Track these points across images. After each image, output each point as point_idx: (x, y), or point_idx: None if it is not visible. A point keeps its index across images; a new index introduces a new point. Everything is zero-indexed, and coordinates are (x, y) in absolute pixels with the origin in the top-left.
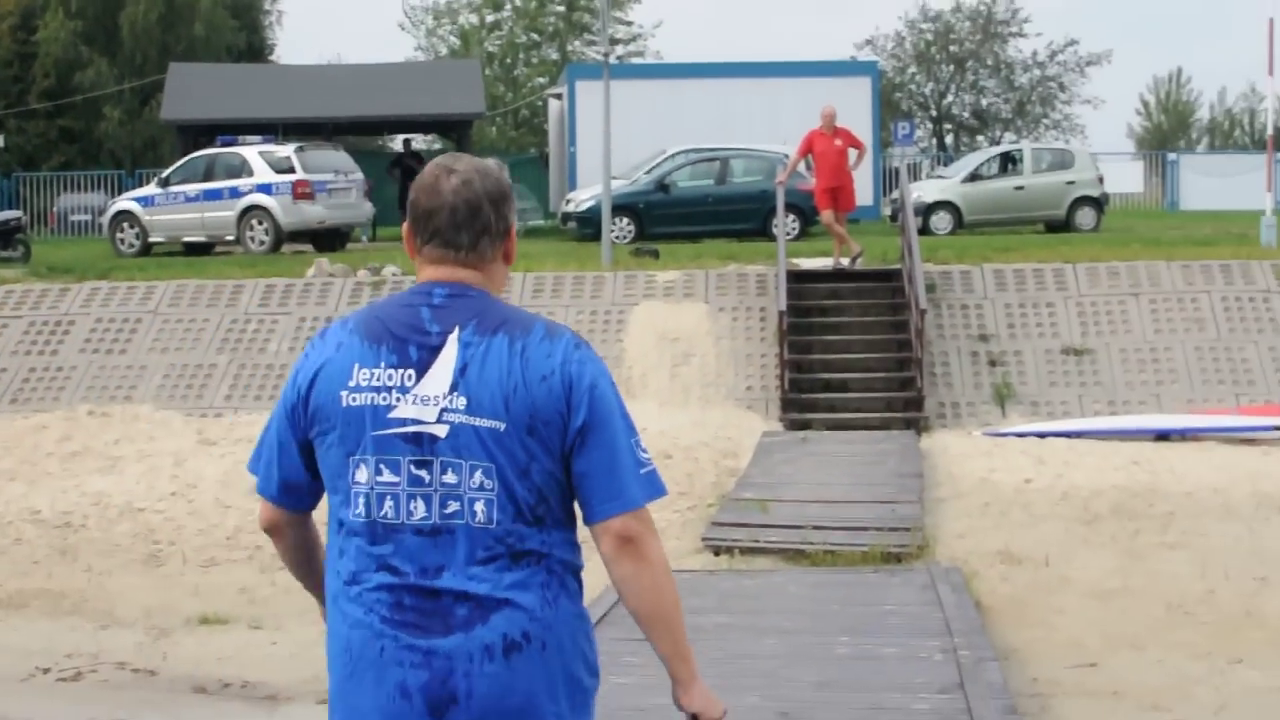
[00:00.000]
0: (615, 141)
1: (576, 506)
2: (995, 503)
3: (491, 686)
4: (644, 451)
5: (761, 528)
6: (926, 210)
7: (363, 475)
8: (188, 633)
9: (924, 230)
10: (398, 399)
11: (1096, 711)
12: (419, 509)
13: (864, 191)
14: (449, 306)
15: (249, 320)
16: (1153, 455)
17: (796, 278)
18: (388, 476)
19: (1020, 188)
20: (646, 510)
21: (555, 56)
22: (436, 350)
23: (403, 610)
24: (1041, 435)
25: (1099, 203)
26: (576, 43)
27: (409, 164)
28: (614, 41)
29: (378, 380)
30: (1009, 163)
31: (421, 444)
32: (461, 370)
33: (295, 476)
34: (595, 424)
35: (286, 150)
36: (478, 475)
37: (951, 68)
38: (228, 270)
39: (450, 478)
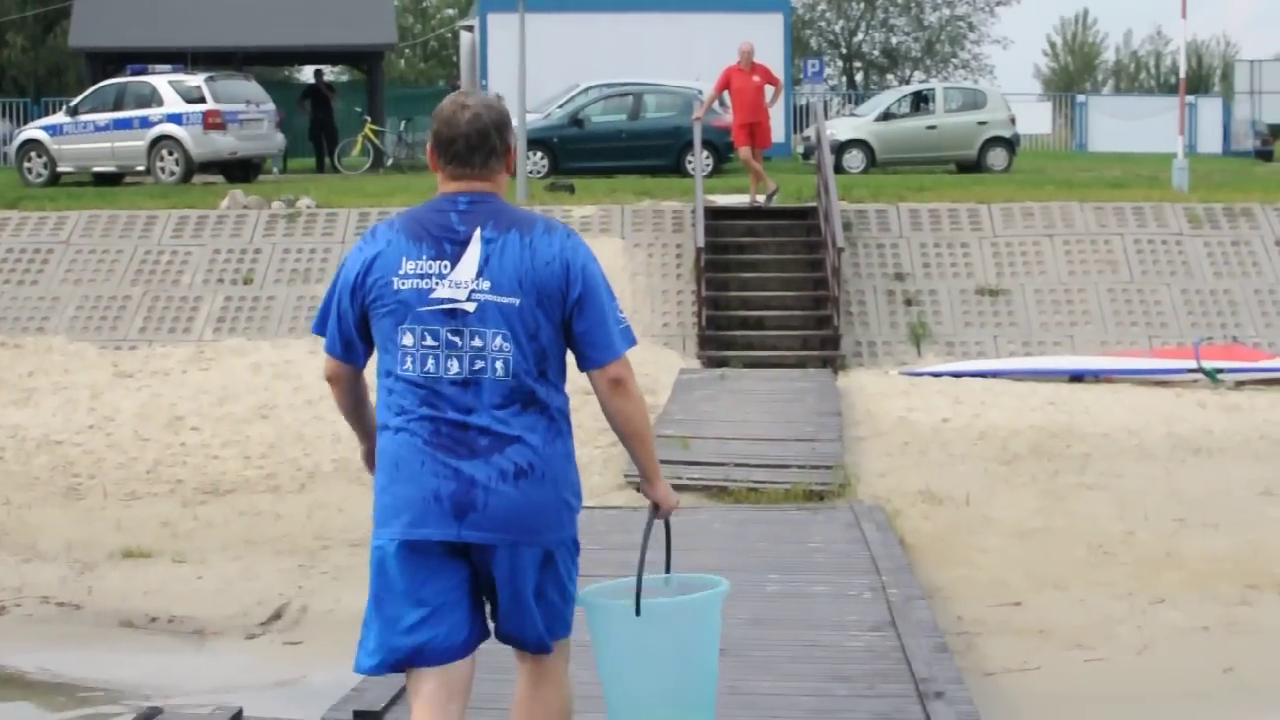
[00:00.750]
0: (528, 76)
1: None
2: (914, 442)
3: (502, 502)
4: (620, 312)
5: (684, 464)
6: (839, 149)
7: (409, 340)
8: (112, 567)
9: (837, 169)
10: (436, 283)
11: (1022, 650)
12: (454, 366)
13: (776, 129)
14: (471, 211)
15: (162, 252)
16: (1068, 396)
17: (713, 214)
18: (429, 341)
19: (932, 127)
20: (626, 356)
21: None
22: (464, 245)
23: (440, 437)
24: (957, 375)
25: (1011, 143)
26: None
27: (321, 95)
28: None
29: (420, 269)
30: (921, 102)
31: (455, 317)
32: (485, 260)
33: (353, 338)
34: (587, 294)
35: (197, 80)
36: (498, 340)
37: (862, 6)
38: (140, 201)
39: (477, 342)
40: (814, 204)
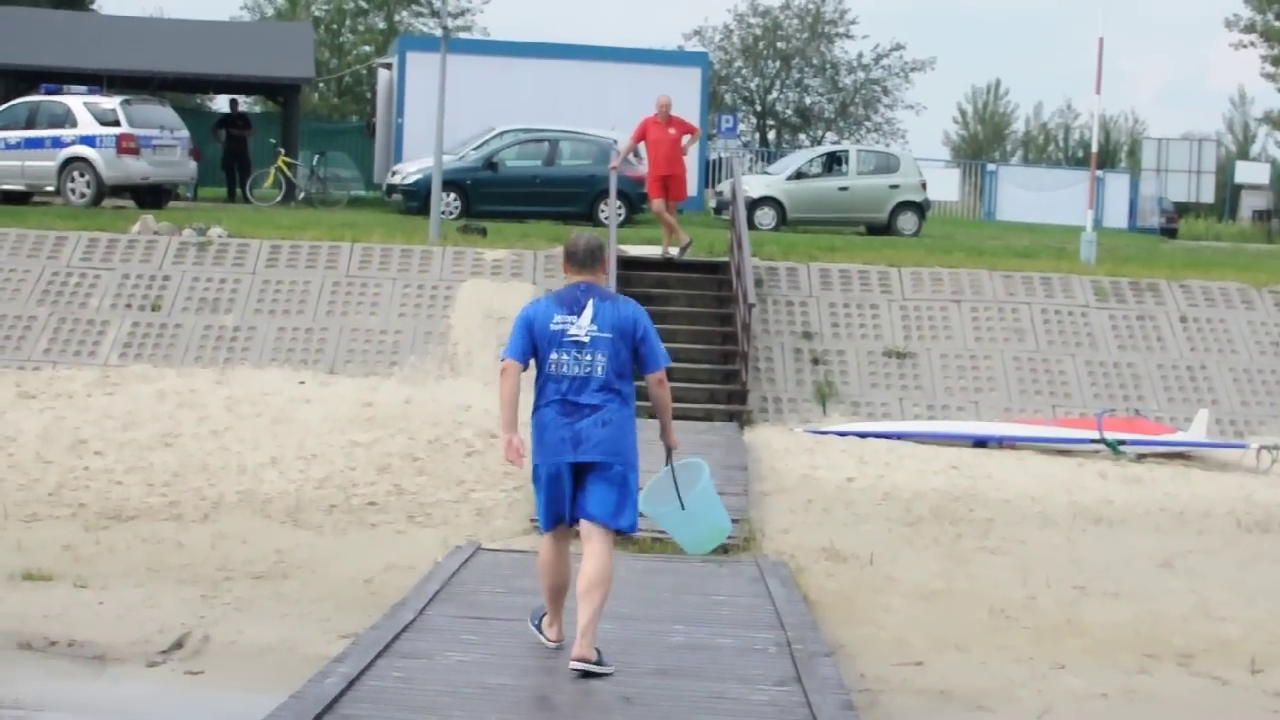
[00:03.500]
0: (444, 116)
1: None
2: (818, 499)
3: (598, 436)
4: (661, 344)
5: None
6: (751, 205)
7: (554, 355)
8: (11, 588)
9: (748, 225)
10: (570, 325)
11: (924, 710)
12: (576, 370)
13: (690, 183)
14: (587, 291)
15: (70, 274)
16: (971, 461)
17: (625, 264)
18: (565, 357)
19: (844, 188)
20: (664, 368)
21: (382, 25)
22: (584, 308)
23: (565, 408)
24: (862, 435)
25: (921, 208)
26: (404, 13)
27: (235, 125)
28: (444, 15)
29: (562, 321)
30: (834, 163)
31: (580, 345)
32: (595, 314)
33: (527, 351)
34: (643, 335)
35: (112, 103)
36: (600, 356)
37: (778, 64)
38: (49, 221)
39: (588, 357)
40: (726, 259)
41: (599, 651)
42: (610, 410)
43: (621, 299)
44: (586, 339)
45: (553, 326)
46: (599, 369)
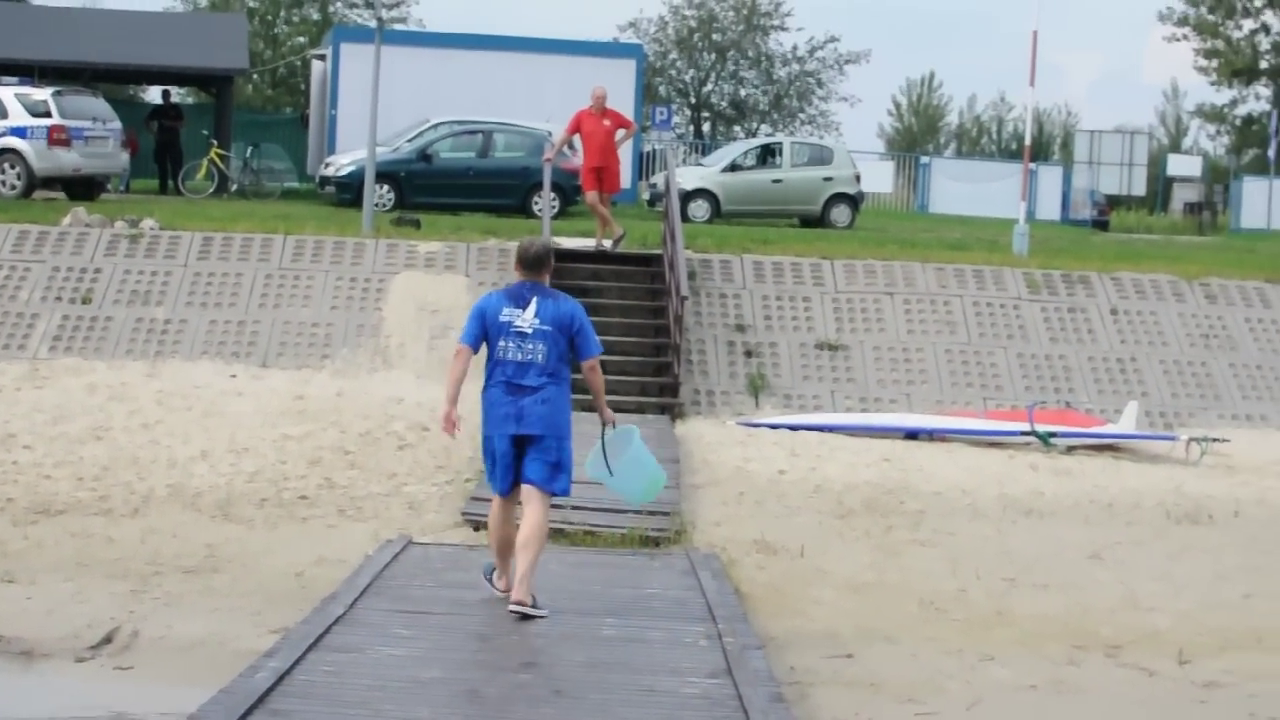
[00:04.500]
0: (378, 107)
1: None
2: (750, 492)
3: (537, 413)
4: (595, 336)
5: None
6: (684, 197)
7: (502, 343)
8: None
9: (682, 218)
10: (516, 317)
11: (854, 702)
12: (520, 356)
13: (624, 175)
14: (533, 289)
15: (0, 266)
16: (903, 453)
17: (558, 257)
18: (511, 345)
19: (778, 181)
20: (598, 356)
21: (316, 17)
22: (529, 303)
23: (509, 389)
24: (794, 428)
25: (855, 200)
26: (338, 4)
27: (168, 116)
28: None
29: (509, 314)
30: (768, 155)
31: (524, 335)
32: (538, 309)
33: (479, 338)
34: (580, 329)
35: (44, 94)
36: (541, 346)
37: (713, 56)
38: None
39: (530, 346)
40: (659, 251)
41: (534, 597)
42: (548, 392)
43: (562, 297)
44: (530, 330)
45: (501, 318)
46: (540, 356)
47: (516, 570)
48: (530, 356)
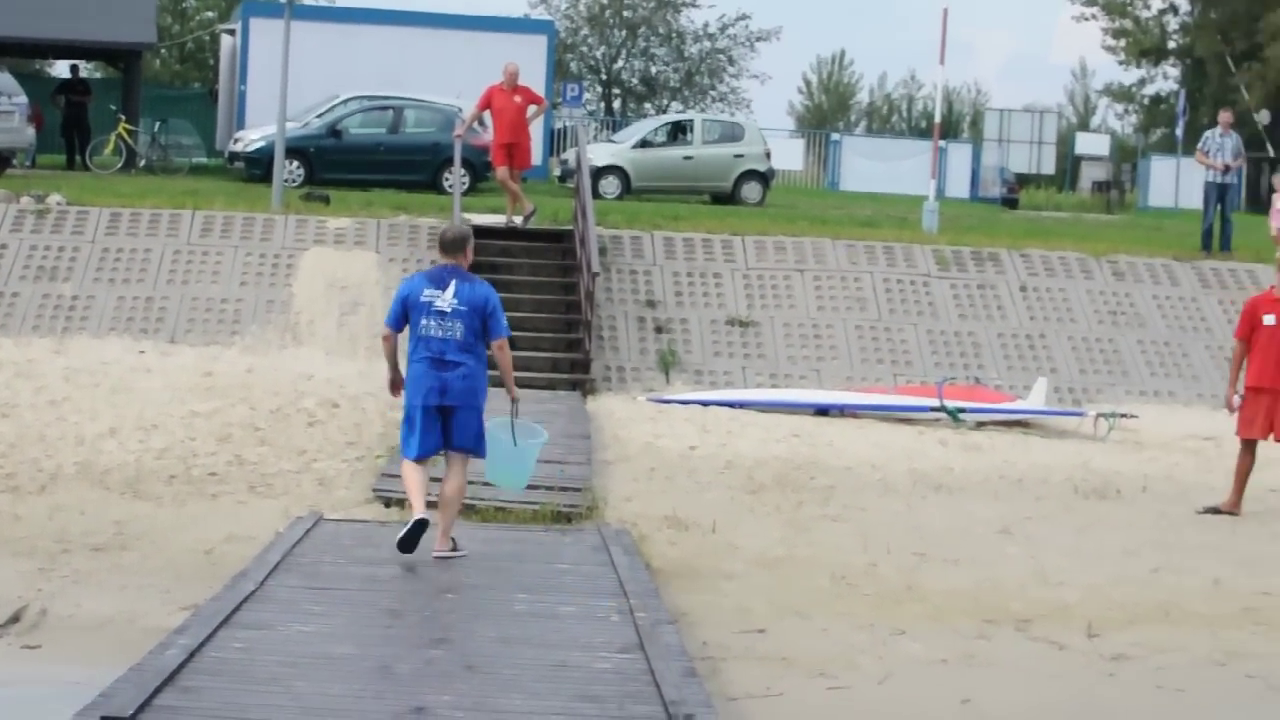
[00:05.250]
0: (288, 83)
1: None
2: (661, 468)
3: (459, 386)
4: (505, 318)
5: (431, 481)
6: (595, 174)
7: (425, 321)
8: None
9: (593, 194)
10: (436, 298)
11: (766, 676)
12: (440, 333)
13: (535, 152)
14: (452, 271)
15: None
16: (813, 429)
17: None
18: (432, 323)
19: (689, 157)
20: (506, 337)
21: None
22: (448, 284)
23: (434, 364)
24: (705, 404)
25: (765, 177)
26: None
27: (75, 91)
28: None
29: (430, 294)
30: (679, 132)
31: (444, 314)
32: (456, 291)
33: (400, 319)
34: (492, 311)
35: None
36: (459, 323)
37: (624, 33)
38: None
39: (449, 324)
40: (570, 227)
41: (454, 540)
42: (468, 367)
43: (478, 280)
44: (449, 309)
45: (422, 299)
46: (458, 334)
47: (440, 524)
48: (449, 334)
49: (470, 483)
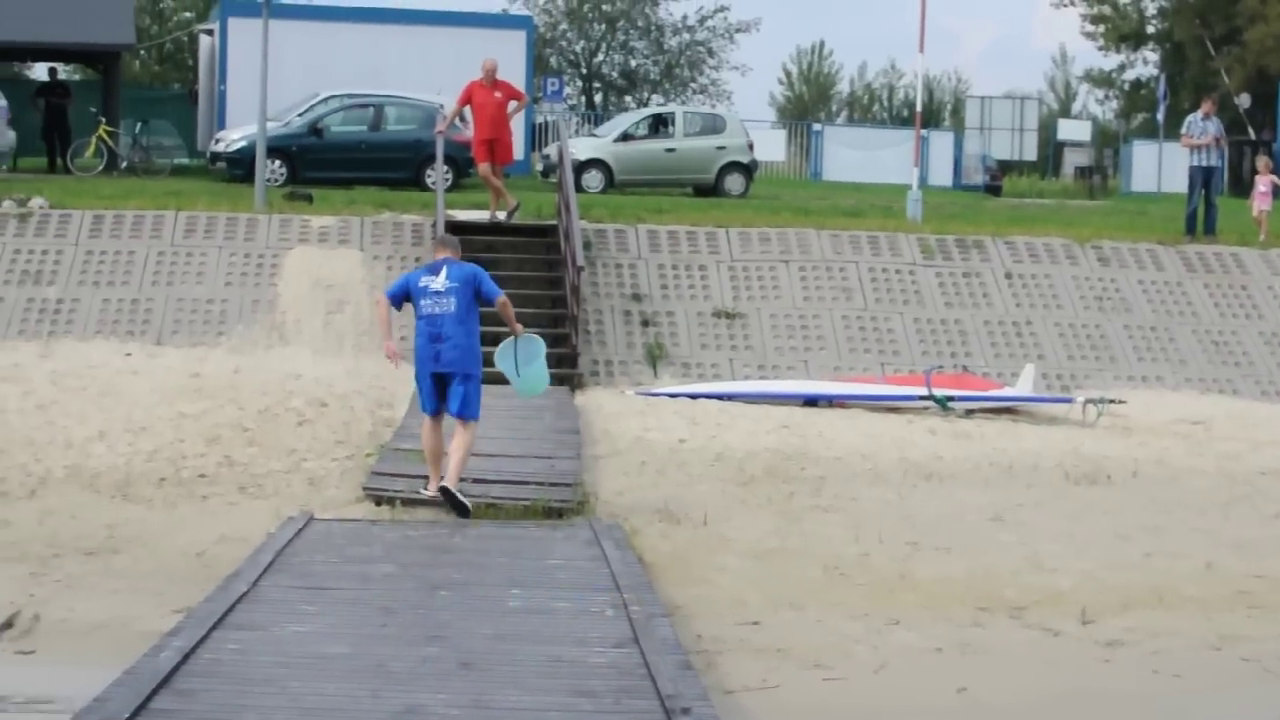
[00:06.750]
0: (268, 82)
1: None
2: (651, 461)
3: (450, 355)
4: (494, 283)
5: (422, 478)
6: (578, 168)
7: (424, 301)
8: None
9: (576, 188)
10: (432, 282)
11: (762, 668)
12: (437, 309)
13: (517, 147)
14: (445, 261)
15: None
16: (802, 420)
17: (453, 229)
18: (429, 302)
19: (671, 150)
20: (503, 295)
21: None
22: (441, 270)
23: (431, 339)
24: (693, 396)
25: (748, 169)
26: None
27: (55, 94)
28: None
29: (426, 280)
30: (661, 125)
31: (439, 293)
32: (448, 273)
33: (399, 296)
34: (481, 281)
35: None
36: (453, 298)
37: (603, 27)
38: None
39: (445, 300)
40: (554, 222)
41: (461, 489)
42: (458, 338)
43: (466, 264)
44: (443, 289)
45: (421, 284)
46: (452, 307)
47: (449, 469)
48: (444, 309)
49: (464, 480)
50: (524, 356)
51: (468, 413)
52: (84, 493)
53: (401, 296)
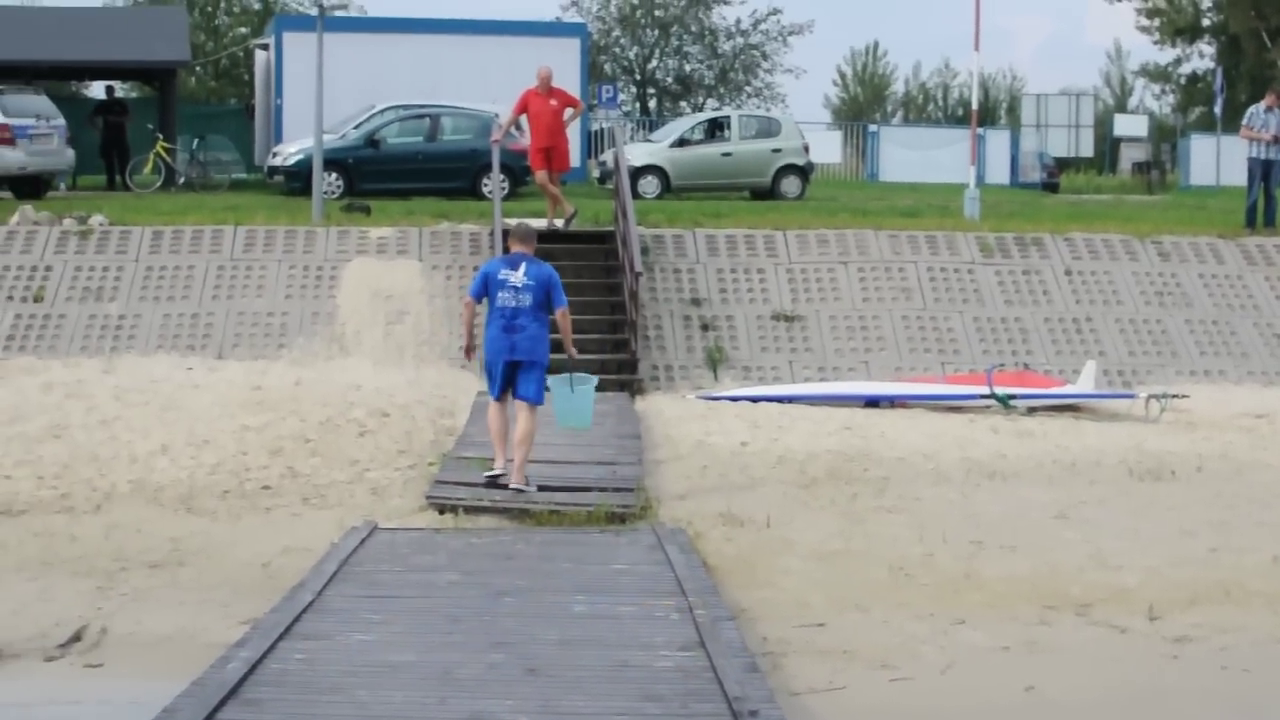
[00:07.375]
0: (323, 95)
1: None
2: (713, 465)
3: (524, 345)
4: (564, 293)
5: (485, 487)
6: (634, 174)
7: (501, 294)
8: None
9: (632, 194)
10: (511, 276)
11: (828, 670)
12: (514, 302)
13: (573, 154)
14: (522, 256)
15: None
16: (864, 421)
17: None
18: (506, 295)
19: (728, 154)
20: (566, 305)
21: (257, 6)
22: (520, 265)
23: (506, 329)
24: (754, 399)
25: (804, 171)
26: None
27: (113, 112)
28: None
29: (506, 273)
30: (717, 129)
31: (517, 288)
32: (526, 270)
33: (481, 292)
34: (554, 286)
35: None
36: (528, 296)
37: (656, 33)
38: None
39: (521, 295)
40: (611, 228)
41: (528, 478)
42: (532, 330)
43: (544, 263)
44: (520, 284)
45: (499, 276)
46: (527, 303)
47: (514, 461)
48: (520, 303)
49: (521, 490)
50: (578, 390)
51: (536, 397)
52: (149, 507)
53: (483, 292)
